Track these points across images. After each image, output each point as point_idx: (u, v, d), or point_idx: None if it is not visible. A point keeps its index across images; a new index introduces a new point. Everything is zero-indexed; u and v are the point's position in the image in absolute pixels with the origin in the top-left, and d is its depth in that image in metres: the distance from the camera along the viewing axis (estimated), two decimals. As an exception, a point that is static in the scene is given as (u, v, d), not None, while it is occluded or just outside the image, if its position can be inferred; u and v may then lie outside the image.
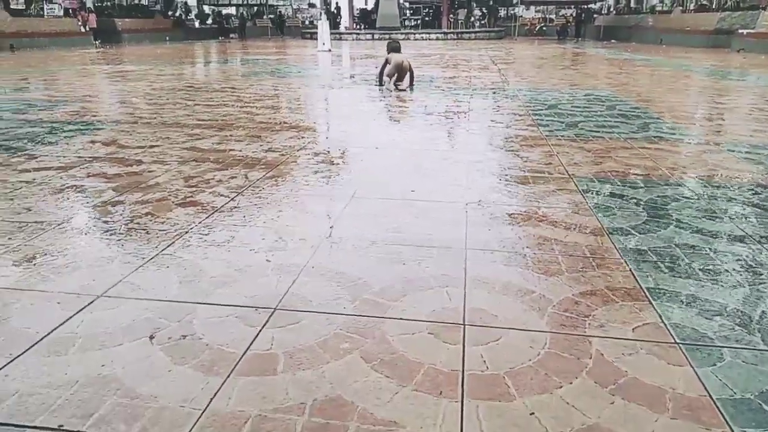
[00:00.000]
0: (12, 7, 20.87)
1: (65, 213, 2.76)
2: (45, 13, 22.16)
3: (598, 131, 4.79)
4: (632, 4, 28.84)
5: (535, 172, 3.52)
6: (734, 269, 2.15)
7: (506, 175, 3.49)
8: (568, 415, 1.36)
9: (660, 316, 1.81)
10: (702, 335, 1.70)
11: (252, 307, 1.85)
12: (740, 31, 17.59)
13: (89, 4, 26.74)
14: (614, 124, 5.09)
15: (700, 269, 2.15)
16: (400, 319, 1.79)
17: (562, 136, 4.61)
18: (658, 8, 25.55)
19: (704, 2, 21.86)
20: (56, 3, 23.15)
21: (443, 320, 1.78)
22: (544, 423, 1.33)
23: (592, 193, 3.09)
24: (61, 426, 1.29)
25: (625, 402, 1.40)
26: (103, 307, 1.85)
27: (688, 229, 2.57)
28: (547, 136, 4.62)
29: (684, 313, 1.83)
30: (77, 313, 1.81)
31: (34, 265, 2.17)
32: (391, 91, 7.54)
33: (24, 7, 21.28)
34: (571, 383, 1.48)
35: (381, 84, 7.92)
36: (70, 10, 24.42)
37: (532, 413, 1.37)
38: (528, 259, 2.26)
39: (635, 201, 2.95)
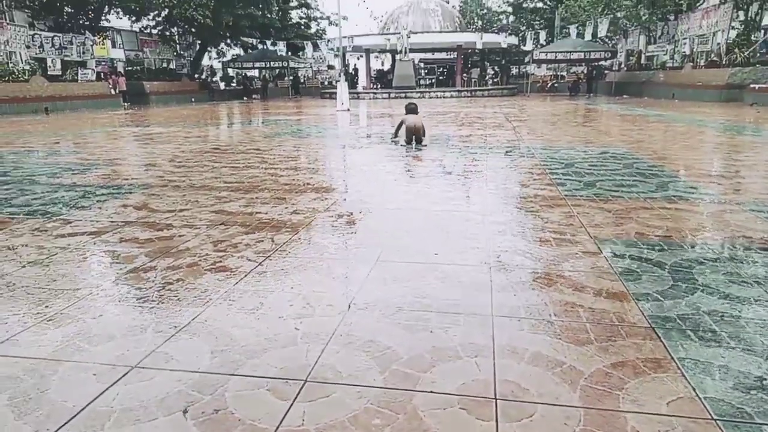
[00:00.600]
0: (49, 73, 22.05)
1: (99, 280, 2.84)
2: (79, 78, 23.34)
3: (617, 190, 4.83)
4: (643, 61, 29.40)
5: (556, 234, 3.55)
6: (766, 339, 2.13)
7: (528, 236, 3.52)
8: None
9: (694, 389, 1.79)
10: (739, 411, 1.67)
11: (283, 378, 1.87)
12: (752, 85, 17.77)
13: (120, 68, 28.14)
14: (632, 183, 5.13)
15: (730, 338, 2.13)
16: (431, 392, 1.79)
17: (580, 195, 4.66)
18: (669, 64, 26.00)
19: (715, 58, 22.22)
20: (89, 68, 24.42)
21: (474, 394, 1.78)
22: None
23: (615, 257, 3.10)
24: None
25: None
26: (138, 378, 1.89)
27: (715, 294, 2.55)
28: (566, 195, 4.67)
29: (718, 385, 1.81)
30: (112, 385, 1.85)
31: (71, 334, 2.22)
32: (403, 146, 8.24)
33: (60, 73, 22.46)
34: (607, 461, 1.46)
35: (395, 138, 8.81)
36: (102, 74, 25.72)
37: None
38: (555, 326, 2.26)
39: (659, 264, 2.95)
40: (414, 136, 8.36)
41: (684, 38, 24.78)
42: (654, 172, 5.72)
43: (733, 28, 22.98)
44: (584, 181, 5.29)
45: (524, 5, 40.59)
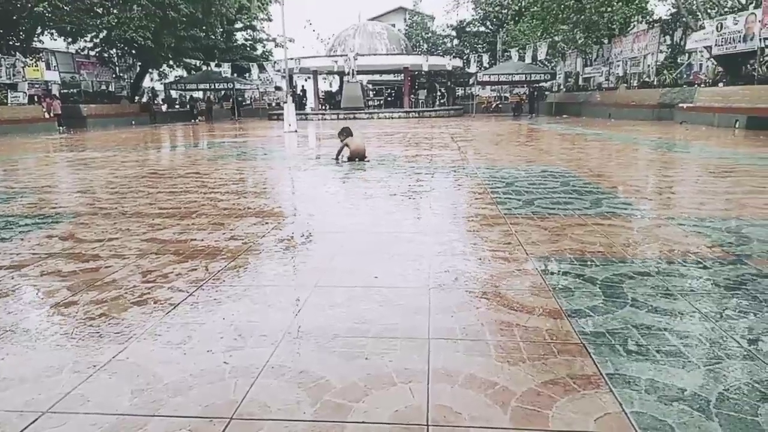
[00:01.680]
0: (-25, 95, 20.93)
1: (15, 317, 2.65)
2: (9, 101, 22.24)
3: (554, 208, 4.96)
4: (580, 82, 30.79)
5: (495, 253, 3.59)
6: (690, 350, 2.20)
7: (468, 256, 3.55)
8: None
9: (621, 405, 1.81)
10: (662, 423, 1.70)
11: (207, 417, 1.78)
12: (680, 104, 18.88)
13: (54, 91, 27.04)
14: (569, 201, 5.29)
15: (657, 351, 2.19)
16: (362, 422, 1.74)
17: (519, 214, 4.75)
18: (605, 85, 27.31)
19: (646, 79, 23.52)
20: (21, 91, 23.33)
21: (407, 421, 1.74)
22: None
23: (550, 274, 3.16)
24: None
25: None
26: (48, 426, 1.75)
27: (643, 308, 2.63)
28: (505, 214, 4.75)
29: (644, 399, 1.85)
30: (18, 434, 1.71)
31: (-25, 379, 2.05)
32: (345, 163, 8.89)
33: (-13, 96, 21.35)
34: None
35: (337, 160, 9.16)
36: (36, 97, 24.62)
37: None
38: (490, 346, 2.26)
39: (591, 280, 3.02)
40: (358, 156, 9.01)
41: (618, 60, 26.16)
42: (589, 190, 5.92)
43: (661, 51, 24.46)
44: (523, 199, 5.42)
45: (467, 29, 41.89)
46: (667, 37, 25.45)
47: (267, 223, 4.62)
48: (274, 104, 37.03)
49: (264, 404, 1.85)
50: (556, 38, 29.36)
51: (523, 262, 3.39)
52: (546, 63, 33.93)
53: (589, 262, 3.34)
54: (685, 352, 2.18)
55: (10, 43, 23.67)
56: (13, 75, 23.03)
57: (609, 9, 23.42)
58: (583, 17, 25.09)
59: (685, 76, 24.44)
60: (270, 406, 1.84)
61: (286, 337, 2.38)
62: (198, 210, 5.17)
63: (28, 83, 24.46)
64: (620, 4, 23.42)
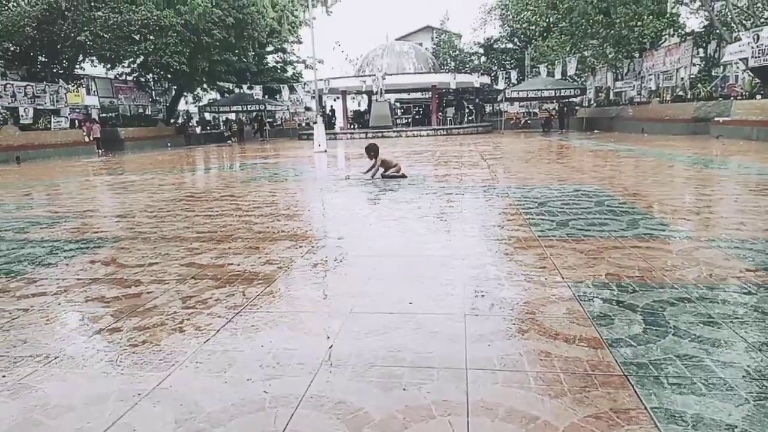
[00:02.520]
0: (21, 121, 21.89)
1: (61, 344, 2.74)
2: (52, 126, 23.20)
3: (589, 229, 4.89)
4: (611, 97, 30.41)
5: (530, 277, 3.56)
6: (736, 382, 2.13)
7: (503, 281, 3.52)
8: None
9: (667, 443, 1.77)
10: (712, 464, 1.65)
11: (249, 449, 1.80)
12: (716, 118, 18.44)
13: (94, 115, 28.09)
14: (604, 222, 5.21)
15: (702, 383, 2.13)
16: (402, 457, 1.74)
17: (553, 236, 4.70)
18: (637, 99, 26.91)
19: (680, 93, 23.09)
20: (63, 116, 24.33)
21: (446, 457, 1.73)
22: None
23: (587, 300, 3.11)
24: None
25: None
26: (96, 455, 1.80)
27: (686, 337, 2.56)
28: (539, 236, 4.71)
29: (691, 437, 1.79)
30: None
31: (29, 407, 2.13)
32: (378, 179, 9.41)
33: (32, 121, 22.31)
34: None
35: (372, 176, 9.60)
36: (76, 122, 25.62)
37: None
38: (530, 377, 2.24)
39: (631, 307, 2.96)
40: (393, 169, 9.59)
41: (649, 74, 25.79)
42: (625, 210, 5.82)
43: (694, 64, 24.02)
44: (557, 220, 5.36)
45: (494, 46, 41.94)
46: (701, 50, 25.01)
47: (300, 246, 4.68)
48: (303, 124, 37.65)
49: (304, 436, 1.87)
50: (586, 53, 29.12)
51: (561, 287, 3.35)
52: (576, 78, 33.67)
53: (628, 288, 3.27)
54: (732, 384, 2.12)
55: (54, 71, 24.78)
56: (56, 101, 24.05)
57: (639, 23, 23.15)
58: (612, 32, 24.85)
59: (720, 89, 23.90)
60: (310, 439, 1.86)
61: (323, 366, 2.40)
62: (233, 234, 5.28)
63: (70, 108, 25.48)
64: (651, 18, 23.14)
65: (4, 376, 2.39)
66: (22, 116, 22.07)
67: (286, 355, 2.52)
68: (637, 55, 26.90)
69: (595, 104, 32.10)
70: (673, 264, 3.79)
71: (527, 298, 3.18)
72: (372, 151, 9.72)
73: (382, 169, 9.59)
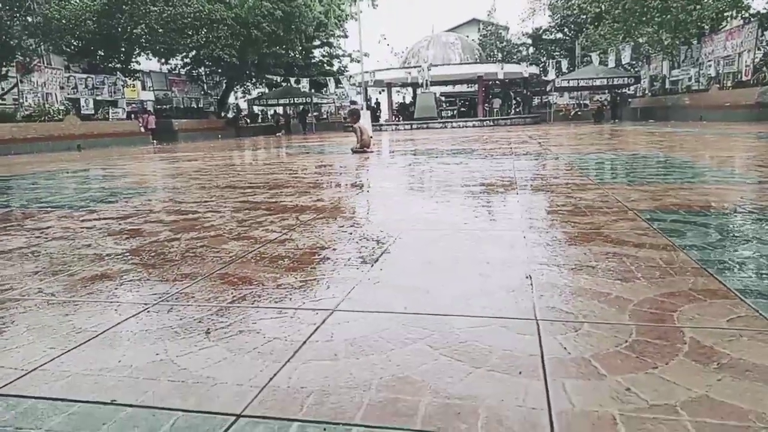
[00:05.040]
0: (82, 112, 22.96)
1: (123, 247, 2.81)
2: (110, 117, 24.20)
3: (652, 179, 4.66)
4: (667, 85, 29.20)
5: (593, 208, 3.40)
6: (833, 271, 1.95)
7: (560, 211, 3.38)
8: (669, 390, 1.19)
9: (758, 311, 1.62)
10: (813, 322, 1.50)
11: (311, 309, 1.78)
12: (783, 102, 17.41)
13: (149, 107, 29.15)
14: (667, 174, 4.96)
15: (792, 273, 1.96)
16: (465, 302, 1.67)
17: (614, 183, 4.51)
18: (695, 87, 25.74)
19: (744, 78, 21.93)
20: (120, 107, 25.35)
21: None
22: (644, 396, 1.17)
23: (656, 221, 2.94)
24: None
25: (736, 378, 1.23)
26: (156, 309, 1.81)
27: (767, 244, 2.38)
28: (598, 183, 4.52)
29: (786, 306, 1.64)
30: (127, 318, 1.78)
31: (97, 288, 2.17)
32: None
33: (93, 112, 23.35)
34: (667, 364, 1.32)
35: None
36: (132, 114, 26.65)
37: (629, 389, 1.21)
38: (598, 269, 2.11)
39: (704, 225, 2.78)
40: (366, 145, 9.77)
41: (708, 60, 24.59)
42: (689, 166, 5.54)
43: (759, 48, 22.75)
44: (616, 173, 5.14)
45: (543, 37, 41.02)
46: (767, 33, 23.66)
47: (350, 192, 4.66)
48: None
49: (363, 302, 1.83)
50: (640, 40, 28.07)
51: (624, 213, 3.19)
52: (629, 67, 32.52)
53: (700, 213, 3.08)
54: (827, 274, 1.94)
55: (112, 64, 25.86)
56: (114, 93, 25.08)
57: (698, 6, 22.10)
58: (669, 17, 23.83)
59: (787, 73, 22.52)
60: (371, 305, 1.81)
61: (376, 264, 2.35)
62: (284, 184, 5.32)
63: (126, 101, 26.54)
64: (711, -1, 22.08)
65: (69, 267, 2.45)
66: (83, 107, 23.13)
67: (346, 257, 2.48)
68: (695, 41, 25.72)
69: (650, 94, 30.89)
70: (750, 198, 3.55)
71: (590, 220, 3.03)
72: (354, 115, 10.39)
73: (357, 145, 9.79)
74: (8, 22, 18.90)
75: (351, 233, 2.95)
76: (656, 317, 1.61)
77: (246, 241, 2.83)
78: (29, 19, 19.66)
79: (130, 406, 1.22)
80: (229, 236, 2.95)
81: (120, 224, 3.47)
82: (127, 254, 2.65)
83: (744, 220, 2.89)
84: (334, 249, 2.59)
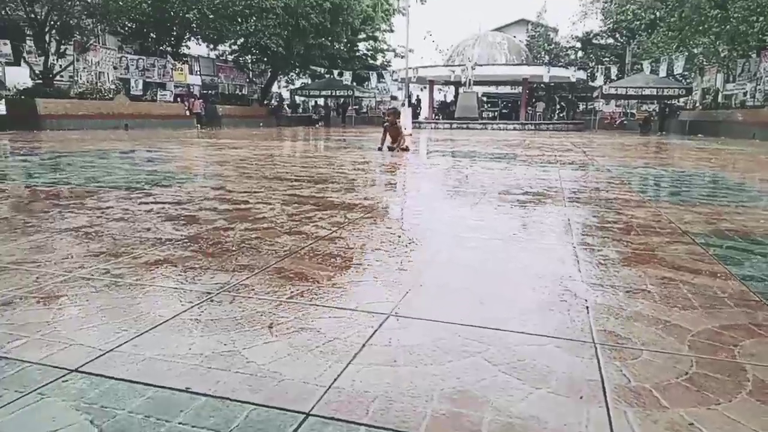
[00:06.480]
0: (131, 92, 23.65)
1: (182, 233, 2.91)
2: (158, 98, 24.86)
3: (704, 199, 4.55)
4: (720, 99, 28.20)
5: (645, 228, 3.35)
6: None
7: (611, 228, 3.35)
8: (734, 429, 1.19)
9: (825, 351, 1.59)
10: None
11: (368, 312, 1.82)
12: None
13: (196, 91, 29.80)
14: (721, 195, 4.83)
15: None
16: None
17: (665, 201, 4.42)
18: (749, 103, 24.79)
19: (801, 97, 21.01)
20: (168, 90, 26.01)
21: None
22: (710, 433, 1.17)
23: (712, 247, 2.88)
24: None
25: (807, 422, 1.22)
26: (219, 299, 1.89)
27: (834, 279, 2.31)
28: (649, 200, 4.44)
29: None
30: (193, 306, 1.86)
31: (161, 273, 2.27)
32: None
33: (141, 93, 24.03)
34: (730, 401, 1.31)
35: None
36: (179, 97, 27.30)
37: (692, 423, 1.21)
38: (654, 295, 2.09)
39: (763, 255, 2.71)
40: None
41: (767, 76, 23.64)
42: (743, 188, 5.38)
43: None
44: (668, 191, 5.04)
45: (594, 41, 40.11)
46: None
47: (395, 191, 4.70)
48: (389, 112, 37.86)
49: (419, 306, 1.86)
50: (695, 51, 27.16)
51: (677, 234, 3.13)
52: (681, 78, 31.54)
53: (757, 241, 3.00)
54: None
55: (162, 47, 26.52)
56: (163, 75, 25.73)
57: (761, 17, 21.24)
58: (727, 27, 22.98)
59: None
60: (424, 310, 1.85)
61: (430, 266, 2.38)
62: (329, 179, 5.40)
63: (174, 84, 27.20)
64: (776, 11, 21.17)
65: (133, 249, 2.56)
66: (132, 87, 23.83)
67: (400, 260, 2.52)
68: (754, 54, 24.75)
69: (700, 107, 29.91)
70: (808, 228, 3.44)
71: (643, 240, 2.99)
72: (395, 114, 10.66)
73: (389, 140, 10.10)
74: (69, 2, 19.57)
75: (400, 236, 2.99)
76: (716, 350, 1.60)
77: (298, 236, 2.89)
78: (89, 0, 20.32)
79: (204, 395, 1.29)
80: (281, 230, 3.03)
81: (176, 209, 3.59)
82: (186, 241, 2.75)
83: (805, 252, 2.80)
84: (386, 251, 2.63)
